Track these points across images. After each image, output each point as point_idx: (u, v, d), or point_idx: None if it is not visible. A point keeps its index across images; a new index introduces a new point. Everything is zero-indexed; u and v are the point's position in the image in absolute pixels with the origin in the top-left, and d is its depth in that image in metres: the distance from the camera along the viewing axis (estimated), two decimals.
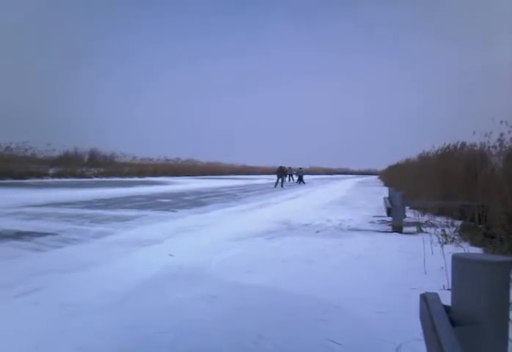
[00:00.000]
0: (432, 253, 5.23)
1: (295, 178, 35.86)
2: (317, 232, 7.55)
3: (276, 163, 36.08)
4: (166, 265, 4.79)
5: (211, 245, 6.12)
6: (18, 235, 6.55)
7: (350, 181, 45.47)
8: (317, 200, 15.92)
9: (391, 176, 29.39)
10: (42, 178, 31.78)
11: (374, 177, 61.90)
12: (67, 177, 34.11)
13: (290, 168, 37.01)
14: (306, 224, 8.56)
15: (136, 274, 4.36)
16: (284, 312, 3.29)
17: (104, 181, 31.88)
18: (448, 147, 12.09)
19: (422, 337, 1.45)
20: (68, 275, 4.31)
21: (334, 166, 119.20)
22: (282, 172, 27.89)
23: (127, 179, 37.32)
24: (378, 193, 18.72)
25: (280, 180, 27.27)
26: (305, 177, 36.47)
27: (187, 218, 9.34)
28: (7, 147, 32.85)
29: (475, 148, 10.28)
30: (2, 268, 4.53)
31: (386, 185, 27.99)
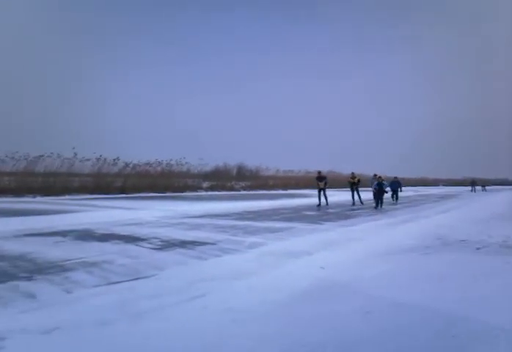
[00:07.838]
0: None
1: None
2: (478, 249, 6.93)
3: (418, 174, 32.71)
4: (318, 277, 4.88)
5: (362, 259, 6.04)
6: (183, 244, 7.27)
7: (510, 193, 40.61)
8: (473, 214, 14.60)
9: None
10: (197, 191, 34.83)
11: None
12: (218, 190, 36.89)
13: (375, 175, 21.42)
14: (464, 240, 7.91)
15: (291, 284, 4.52)
16: (445, 334, 3.10)
17: (251, 194, 33.58)
18: None
19: None
20: (229, 282, 4.65)
21: (490, 176, 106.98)
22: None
23: (272, 191, 38.81)
24: None
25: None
26: (447, 189, 33.36)
27: (334, 231, 9.35)
28: (167, 163, 36.65)
29: None
30: (173, 274, 5.06)
31: None
